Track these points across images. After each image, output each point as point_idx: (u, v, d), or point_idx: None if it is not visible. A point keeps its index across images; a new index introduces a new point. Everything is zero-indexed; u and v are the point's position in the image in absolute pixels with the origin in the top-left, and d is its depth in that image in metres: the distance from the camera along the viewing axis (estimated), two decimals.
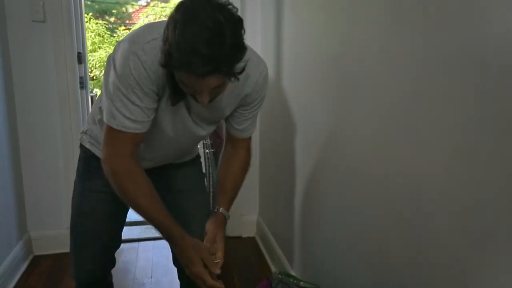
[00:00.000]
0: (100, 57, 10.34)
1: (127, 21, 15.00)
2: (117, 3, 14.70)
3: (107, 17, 13.93)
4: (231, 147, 1.41)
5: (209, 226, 1.32)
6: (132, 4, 15.20)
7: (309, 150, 1.84)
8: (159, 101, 1.16)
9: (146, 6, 14.62)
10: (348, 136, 1.44)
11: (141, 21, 13.64)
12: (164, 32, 0.98)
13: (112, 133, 1.13)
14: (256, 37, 2.56)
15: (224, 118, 1.34)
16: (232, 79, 0.99)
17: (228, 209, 1.37)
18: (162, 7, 13.31)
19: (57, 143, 2.52)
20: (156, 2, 13.72)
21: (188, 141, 1.35)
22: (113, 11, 14.56)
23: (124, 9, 15.28)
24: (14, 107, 2.42)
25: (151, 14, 13.31)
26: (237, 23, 0.97)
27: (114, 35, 12.28)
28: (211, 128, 1.34)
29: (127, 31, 12.48)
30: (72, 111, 2.49)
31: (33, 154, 2.51)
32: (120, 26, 13.65)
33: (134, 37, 1.10)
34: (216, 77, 0.98)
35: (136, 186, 1.15)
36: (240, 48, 0.97)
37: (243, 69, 1.00)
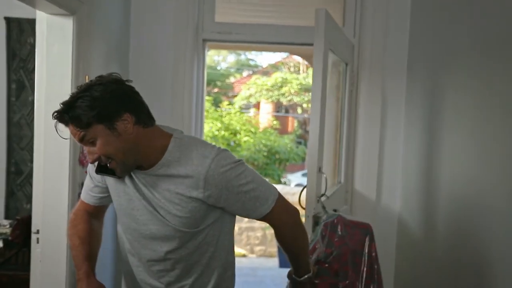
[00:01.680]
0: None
1: (229, 91, 15.03)
2: (222, 74, 15.08)
3: (211, 87, 13.43)
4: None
5: None
6: (235, 76, 15.47)
7: None
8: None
9: (248, 77, 14.81)
10: None
11: (242, 93, 13.64)
12: None
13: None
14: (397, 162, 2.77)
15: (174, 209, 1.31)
16: (73, 125, 1.20)
17: None
18: (263, 82, 13.17)
19: None
20: (258, 76, 13.75)
21: (160, 230, 1.33)
22: (217, 82, 14.56)
23: (227, 80, 15.25)
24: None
25: (252, 87, 13.33)
26: (103, 85, 1.20)
27: (218, 109, 12.42)
28: (178, 221, 1.31)
29: (230, 106, 13.23)
30: None
31: None
32: (223, 99, 13.58)
33: None
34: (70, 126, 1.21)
35: (74, 229, 1.47)
36: (79, 99, 1.18)
37: (83, 119, 1.18)
